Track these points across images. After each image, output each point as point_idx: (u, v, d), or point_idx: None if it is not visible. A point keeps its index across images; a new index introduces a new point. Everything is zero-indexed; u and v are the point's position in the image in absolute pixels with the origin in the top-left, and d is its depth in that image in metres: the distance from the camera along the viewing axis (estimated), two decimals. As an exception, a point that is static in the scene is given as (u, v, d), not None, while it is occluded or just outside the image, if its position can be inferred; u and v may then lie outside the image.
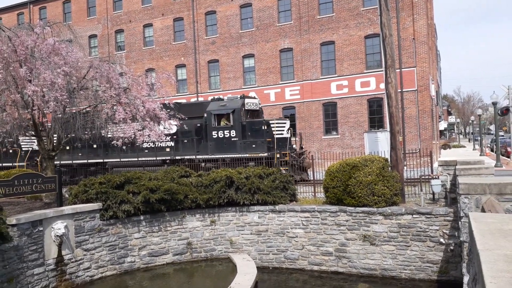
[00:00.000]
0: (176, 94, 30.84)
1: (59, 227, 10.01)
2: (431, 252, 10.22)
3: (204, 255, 12.37)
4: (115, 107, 14.00)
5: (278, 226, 12.12)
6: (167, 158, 19.90)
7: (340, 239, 11.27)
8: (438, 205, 10.74)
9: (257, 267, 10.84)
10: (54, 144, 14.34)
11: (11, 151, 22.05)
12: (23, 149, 22.62)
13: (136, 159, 20.29)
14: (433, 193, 11.32)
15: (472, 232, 3.34)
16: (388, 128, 12.43)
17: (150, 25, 33.15)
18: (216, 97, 20.80)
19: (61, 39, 13.91)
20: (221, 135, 18.95)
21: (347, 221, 11.19)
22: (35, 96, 11.90)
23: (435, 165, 15.03)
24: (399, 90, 23.33)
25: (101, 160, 21.31)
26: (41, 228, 9.77)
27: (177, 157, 19.45)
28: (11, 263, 8.84)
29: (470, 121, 64.58)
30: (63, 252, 10.22)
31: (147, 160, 20.08)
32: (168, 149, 20.26)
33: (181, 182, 12.51)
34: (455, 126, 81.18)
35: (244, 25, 29.75)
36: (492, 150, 38.21)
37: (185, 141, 20.00)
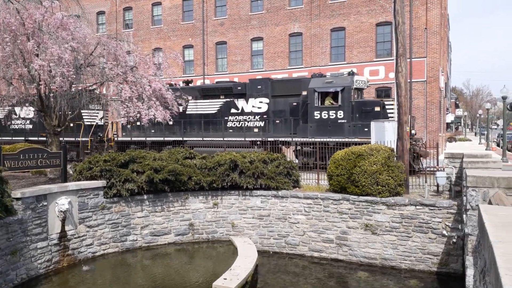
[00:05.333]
0: (183, 75, 30.67)
1: (63, 202, 10.08)
2: (433, 244, 10.21)
3: (206, 236, 12.45)
4: (121, 85, 13.93)
5: (280, 212, 12.15)
6: (257, 139, 18.21)
7: (341, 227, 11.28)
8: (442, 198, 10.69)
9: (258, 251, 10.89)
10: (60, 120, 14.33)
11: (72, 125, 21.11)
12: (86, 123, 21.70)
13: (221, 139, 18.85)
14: (438, 185, 11.26)
15: (483, 224, 3.29)
16: (395, 118, 12.30)
17: (159, 3, 32.78)
18: (317, 73, 18.97)
19: (69, 14, 13.78)
20: (325, 116, 16.81)
21: (349, 209, 11.18)
22: (41, 70, 11.84)
23: (441, 157, 14.94)
24: (408, 80, 23.06)
25: (180, 139, 19.98)
26: (45, 203, 9.84)
27: (269, 139, 17.68)
28: (15, 236, 8.93)
29: (478, 115, 64.01)
30: (66, 228, 10.31)
31: (234, 140, 18.57)
32: (256, 130, 18.70)
33: (185, 163, 12.51)
34: (462, 119, 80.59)
35: (254, 7, 29.35)
36: (498, 145, 37.93)
37: (277, 121, 18.29)
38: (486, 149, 31.69)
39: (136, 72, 14.06)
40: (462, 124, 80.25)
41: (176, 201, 12.26)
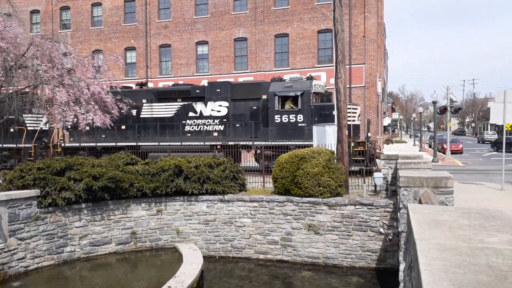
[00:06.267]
0: (125, 78, 29.73)
1: (-10, 214, 9.33)
2: (371, 242, 10.72)
3: (149, 244, 12.11)
4: (57, 89, 13.23)
5: (226, 216, 12.13)
6: (217, 143, 17.81)
7: (286, 228, 11.50)
8: (379, 197, 11.25)
9: (204, 257, 10.79)
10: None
11: (12, 130, 19.34)
12: (29, 128, 19.96)
13: (179, 143, 18.13)
14: (375, 186, 11.84)
15: (410, 222, 3.51)
16: (335, 122, 12.78)
17: (99, 4, 31.54)
18: (276, 77, 18.76)
19: (-2, 12, 12.88)
20: (285, 119, 16.97)
21: (293, 210, 11.43)
22: (-35, 72, 10.94)
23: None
24: (348, 86, 24.08)
25: (134, 144, 18.84)
26: (-31, 216, 9.05)
27: (230, 143, 17.25)
28: None
29: (412, 118, 68.31)
30: (-5, 242, 9.54)
31: (193, 145, 17.91)
32: (216, 134, 18.26)
33: (126, 169, 12.10)
34: (398, 123, 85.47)
35: (198, 11, 29.18)
36: (430, 146, 40.70)
37: (237, 125, 18.00)
38: (419, 150, 33.88)
39: (73, 75, 13.43)
40: (398, 127, 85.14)
41: (117, 209, 11.81)
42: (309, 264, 11.14)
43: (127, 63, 30.59)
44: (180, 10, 29.37)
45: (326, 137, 14.01)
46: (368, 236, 10.74)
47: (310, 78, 17.65)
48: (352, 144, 15.58)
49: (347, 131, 12.19)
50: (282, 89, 17.23)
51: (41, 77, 12.93)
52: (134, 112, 19.05)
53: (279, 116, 17.06)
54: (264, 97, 17.54)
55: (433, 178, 7.09)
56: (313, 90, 17.16)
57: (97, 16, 31.84)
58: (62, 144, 20.19)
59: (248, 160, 18.55)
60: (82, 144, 19.80)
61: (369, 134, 17.05)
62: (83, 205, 11.35)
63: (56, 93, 13.38)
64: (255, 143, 17.36)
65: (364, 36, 25.34)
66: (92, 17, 31.89)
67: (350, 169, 14.64)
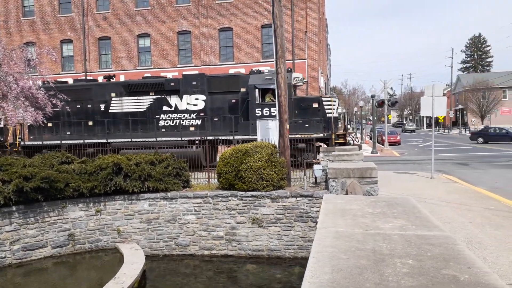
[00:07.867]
0: (62, 72, 28.18)
1: None
2: (312, 232, 11.05)
3: (89, 246, 11.65)
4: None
5: (169, 213, 11.94)
6: (195, 138, 17.00)
7: (230, 223, 11.56)
8: (319, 188, 11.64)
9: (147, 256, 10.59)
10: None
11: None
12: None
13: (153, 139, 17.13)
14: (315, 178, 12.23)
15: (320, 212, 3.67)
16: (277, 117, 12.99)
17: (29, -8, 29.52)
18: (255, 69, 18.01)
19: None
20: (266, 112, 16.53)
21: (237, 205, 11.51)
22: None
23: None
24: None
25: (104, 140, 17.68)
26: None
27: (209, 138, 16.70)
28: None
29: (354, 111, 71.10)
30: None
31: (169, 140, 16.86)
32: (192, 128, 17.42)
33: (61, 169, 11.51)
34: (341, 116, 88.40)
35: (139, 3, 28.27)
36: (370, 139, 42.64)
37: (216, 119, 17.25)
38: (360, 143, 35.41)
39: (0, 69, 12.51)
40: (342, 120, 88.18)
41: (52, 210, 11.22)
42: (253, 257, 11.30)
43: (64, 56, 29.01)
44: (119, 1, 28.28)
45: (269, 131, 14.20)
46: (309, 226, 11.08)
47: (290, 71, 17.32)
48: (334, 137, 15.87)
49: (288, 126, 12.44)
50: (262, 81, 16.86)
51: (-38, 71, 11.92)
52: (102, 106, 18.05)
53: (260, 109, 16.73)
54: (243, 90, 17.11)
55: (359, 169, 7.46)
56: (293, 83, 17.04)
57: (28, 6, 29.80)
58: (22, 143, 18.65)
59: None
60: (44, 142, 18.27)
61: (348, 126, 17.22)
62: (14, 208, 10.65)
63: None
64: (236, 137, 16.85)
65: (306, 31, 25.91)
66: (23, 7, 29.80)
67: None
